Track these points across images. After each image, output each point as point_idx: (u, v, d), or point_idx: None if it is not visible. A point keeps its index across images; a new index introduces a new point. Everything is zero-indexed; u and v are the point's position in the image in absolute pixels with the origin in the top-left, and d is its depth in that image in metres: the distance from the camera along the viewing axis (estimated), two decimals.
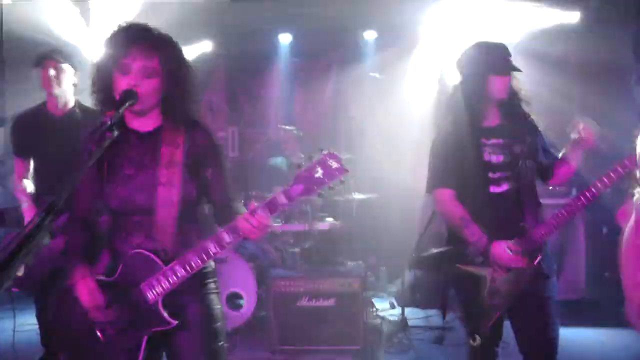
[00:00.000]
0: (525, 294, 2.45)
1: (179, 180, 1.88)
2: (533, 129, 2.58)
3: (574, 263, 4.85)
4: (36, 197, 3.23)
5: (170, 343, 1.93)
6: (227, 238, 1.79)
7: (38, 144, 3.18)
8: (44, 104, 3.24)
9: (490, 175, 2.50)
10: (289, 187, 1.77)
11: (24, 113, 3.24)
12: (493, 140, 2.53)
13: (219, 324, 1.99)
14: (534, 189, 2.55)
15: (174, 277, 1.81)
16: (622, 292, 4.80)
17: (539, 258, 2.43)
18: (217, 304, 2.02)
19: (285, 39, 6.61)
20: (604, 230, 5.06)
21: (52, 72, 3.16)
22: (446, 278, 2.82)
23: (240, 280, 4.41)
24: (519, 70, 2.54)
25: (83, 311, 1.86)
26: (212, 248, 1.80)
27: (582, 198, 2.39)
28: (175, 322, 1.84)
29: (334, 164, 1.76)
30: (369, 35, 6.53)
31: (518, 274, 2.42)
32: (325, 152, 1.78)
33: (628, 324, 2.24)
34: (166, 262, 1.83)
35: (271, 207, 1.76)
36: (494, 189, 2.49)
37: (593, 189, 2.38)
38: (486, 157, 2.51)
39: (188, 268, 1.80)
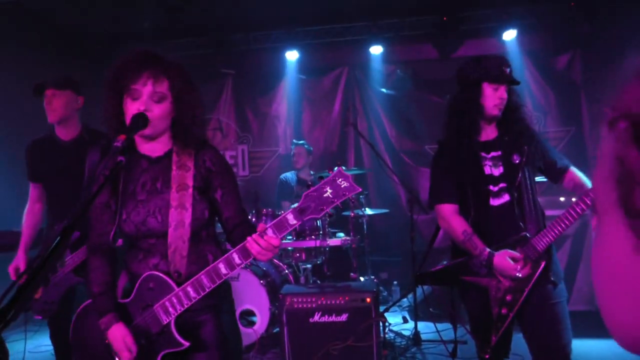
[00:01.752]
0: (534, 302, 2.44)
1: (190, 202, 1.91)
2: (530, 136, 2.55)
3: (586, 274, 4.82)
4: (49, 223, 3.30)
5: None
6: (237, 259, 1.80)
7: (48, 170, 3.25)
8: (52, 130, 3.30)
9: (491, 187, 2.51)
10: (297, 207, 1.76)
11: (36, 140, 3.31)
12: (492, 154, 2.54)
13: (234, 344, 2.02)
14: (535, 198, 2.53)
15: (186, 299, 1.83)
16: None
17: (542, 265, 2.41)
18: (233, 324, 2.04)
19: (292, 56, 6.67)
20: None
21: (50, 100, 3.21)
22: (453, 292, 2.80)
23: (253, 298, 4.43)
24: (515, 82, 2.52)
25: (100, 334, 1.90)
26: (223, 269, 1.81)
27: (581, 204, 2.36)
28: (187, 344, 1.86)
29: (344, 183, 1.74)
30: (376, 50, 6.58)
31: (523, 283, 2.41)
32: (335, 170, 1.77)
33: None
34: (179, 284, 1.86)
35: (280, 227, 1.75)
36: (494, 202, 2.51)
37: (591, 196, 2.34)
38: (487, 170, 2.52)
39: (200, 290, 1.82)
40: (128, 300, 1.93)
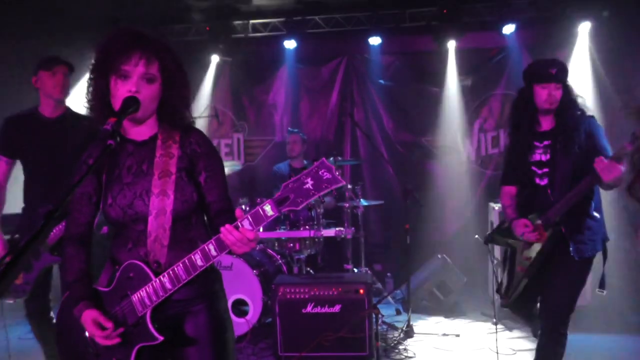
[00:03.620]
0: (551, 269, 2.98)
1: (172, 189, 1.85)
2: (582, 130, 2.96)
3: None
4: (28, 202, 3.28)
5: (178, 354, 1.90)
6: (213, 251, 1.73)
7: (29, 146, 3.22)
8: (36, 107, 3.28)
9: (538, 170, 3.07)
10: (276, 197, 1.68)
11: (17, 115, 3.28)
12: (545, 142, 3.06)
13: (228, 333, 1.97)
14: (570, 181, 2.94)
15: (162, 291, 1.78)
16: (627, 299, 4.77)
17: (551, 231, 2.95)
18: (225, 312, 1.99)
19: (290, 45, 6.62)
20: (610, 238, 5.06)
21: (63, 78, 3.23)
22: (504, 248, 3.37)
23: (246, 287, 4.42)
24: (560, 80, 2.96)
25: (80, 326, 1.86)
26: (199, 261, 1.75)
27: (588, 180, 2.81)
28: (161, 338, 1.80)
29: (326, 175, 1.66)
30: (375, 41, 6.53)
31: (540, 244, 2.99)
32: (317, 162, 1.69)
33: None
34: (158, 274, 1.80)
35: (256, 219, 1.67)
36: (539, 182, 3.06)
37: (590, 178, 2.79)
38: (536, 157, 3.07)
39: (175, 281, 1.77)
40: (108, 289, 1.88)
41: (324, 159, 1.69)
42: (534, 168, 3.07)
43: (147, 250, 1.85)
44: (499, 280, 3.26)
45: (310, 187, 1.66)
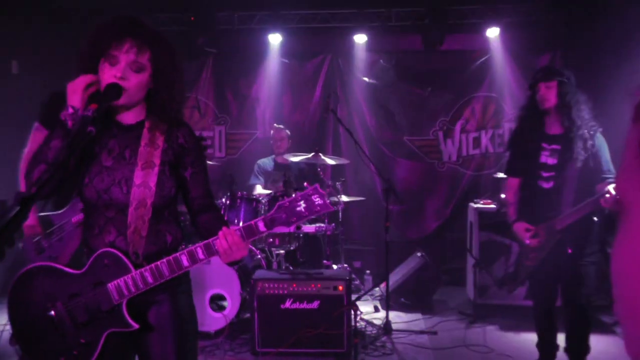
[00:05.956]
0: (560, 263, 3.12)
1: (155, 182, 1.84)
2: (590, 137, 3.08)
3: None
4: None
5: (141, 345, 1.90)
6: (200, 255, 1.77)
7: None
8: None
9: (543, 173, 3.15)
10: (269, 215, 1.78)
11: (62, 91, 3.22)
12: (554, 146, 3.16)
13: (190, 325, 1.97)
14: (575, 190, 3.08)
15: (142, 284, 1.78)
16: (602, 299, 4.85)
17: (557, 238, 3.07)
18: (189, 305, 1.99)
19: (275, 39, 6.58)
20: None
21: None
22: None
23: (224, 282, 4.39)
24: (559, 76, 3.13)
25: (38, 298, 1.83)
26: (185, 262, 1.78)
27: (593, 203, 2.95)
28: (136, 326, 1.81)
29: (318, 200, 1.77)
30: (360, 39, 6.53)
31: (542, 249, 3.11)
32: (311, 187, 1.79)
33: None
34: (136, 266, 1.80)
35: (249, 232, 1.78)
36: (543, 185, 3.15)
37: (598, 201, 2.92)
38: (543, 159, 3.16)
39: (159, 277, 1.78)
40: (80, 272, 1.85)
41: (317, 185, 1.82)
42: (539, 170, 3.17)
43: (116, 238, 1.83)
44: (496, 275, 3.60)
45: (303, 210, 1.78)
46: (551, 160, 3.15)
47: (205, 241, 1.78)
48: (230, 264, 1.87)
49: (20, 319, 1.91)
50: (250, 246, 5.02)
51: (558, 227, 3.06)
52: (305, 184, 4.84)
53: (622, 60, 5.11)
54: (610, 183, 2.99)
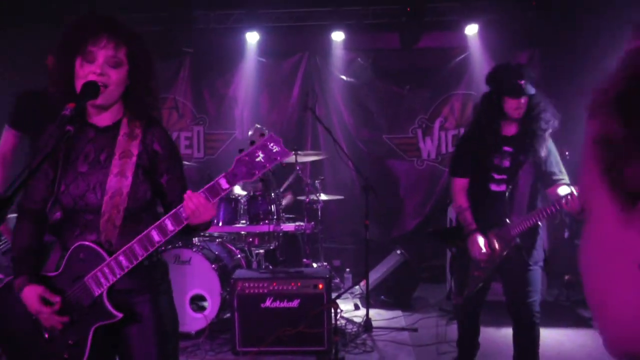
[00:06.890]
0: (511, 267, 2.98)
1: (132, 171, 1.82)
2: (543, 141, 2.92)
3: None
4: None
5: (123, 346, 1.89)
6: (170, 226, 1.75)
7: (40, 124, 3.12)
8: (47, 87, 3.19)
9: (495, 175, 2.99)
10: (230, 171, 1.75)
11: (32, 90, 3.16)
12: (505, 148, 2.97)
13: (170, 326, 1.96)
14: (528, 193, 2.97)
15: (119, 269, 1.76)
16: (577, 294, 4.90)
17: (513, 245, 2.94)
18: (170, 306, 1.98)
19: (252, 38, 6.55)
20: (566, 234, 5.22)
21: None
22: (451, 248, 3.37)
23: (204, 282, 4.35)
24: (529, 94, 2.88)
25: (21, 307, 1.80)
26: (156, 236, 1.75)
27: (553, 207, 2.80)
28: (120, 315, 1.80)
29: (275, 148, 1.74)
30: (337, 37, 6.53)
31: (496, 256, 2.98)
32: (266, 135, 1.77)
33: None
34: (110, 254, 1.78)
35: (213, 192, 1.74)
36: (493, 187, 2.99)
37: (558, 205, 2.77)
38: (496, 161, 2.98)
39: (132, 258, 1.76)
40: (57, 273, 1.83)
41: (272, 133, 1.79)
42: (491, 172, 3.00)
43: (98, 232, 1.81)
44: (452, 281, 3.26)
45: (262, 159, 1.75)
46: (504, 163, 2.98)
47: (172, 211, 1.75)
48: (201, 227, 1.85)
49: (4, 330, 1.89)
50: (230, 246, 4.99)
51: (513, 233, 2.92)
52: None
53: (600, 58, 5.20)
54: (561, 185, 2.92)
